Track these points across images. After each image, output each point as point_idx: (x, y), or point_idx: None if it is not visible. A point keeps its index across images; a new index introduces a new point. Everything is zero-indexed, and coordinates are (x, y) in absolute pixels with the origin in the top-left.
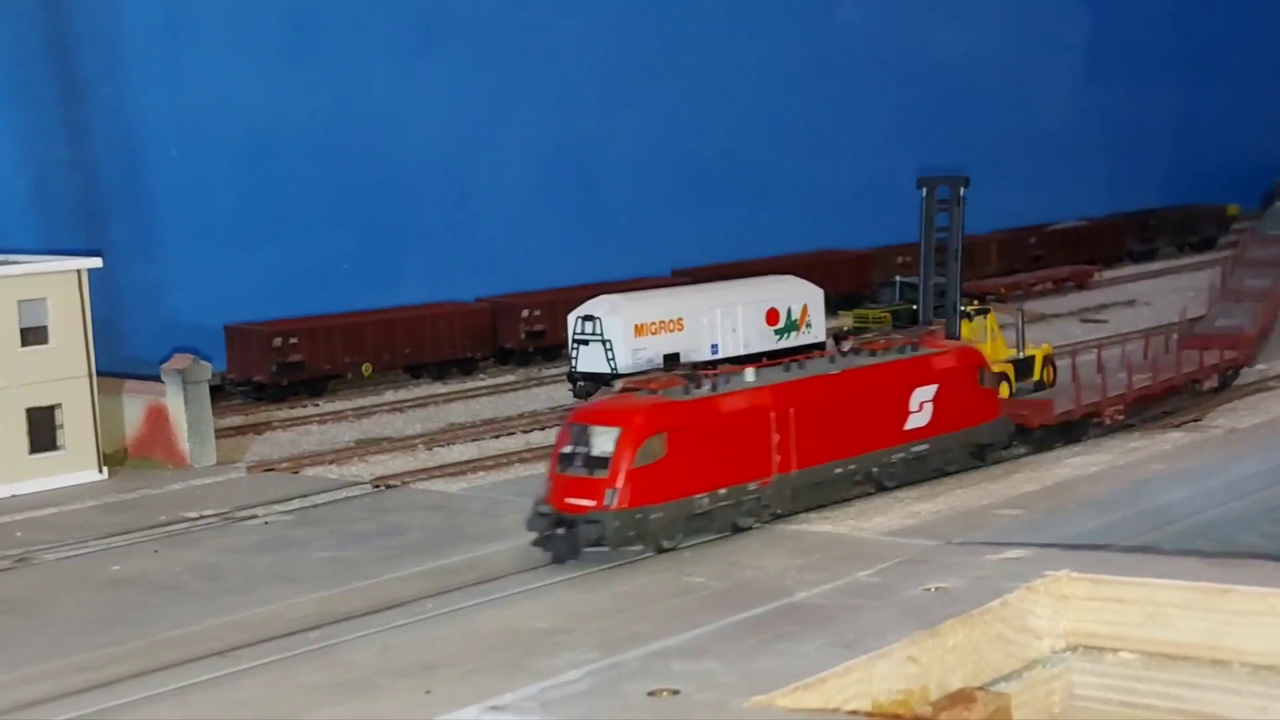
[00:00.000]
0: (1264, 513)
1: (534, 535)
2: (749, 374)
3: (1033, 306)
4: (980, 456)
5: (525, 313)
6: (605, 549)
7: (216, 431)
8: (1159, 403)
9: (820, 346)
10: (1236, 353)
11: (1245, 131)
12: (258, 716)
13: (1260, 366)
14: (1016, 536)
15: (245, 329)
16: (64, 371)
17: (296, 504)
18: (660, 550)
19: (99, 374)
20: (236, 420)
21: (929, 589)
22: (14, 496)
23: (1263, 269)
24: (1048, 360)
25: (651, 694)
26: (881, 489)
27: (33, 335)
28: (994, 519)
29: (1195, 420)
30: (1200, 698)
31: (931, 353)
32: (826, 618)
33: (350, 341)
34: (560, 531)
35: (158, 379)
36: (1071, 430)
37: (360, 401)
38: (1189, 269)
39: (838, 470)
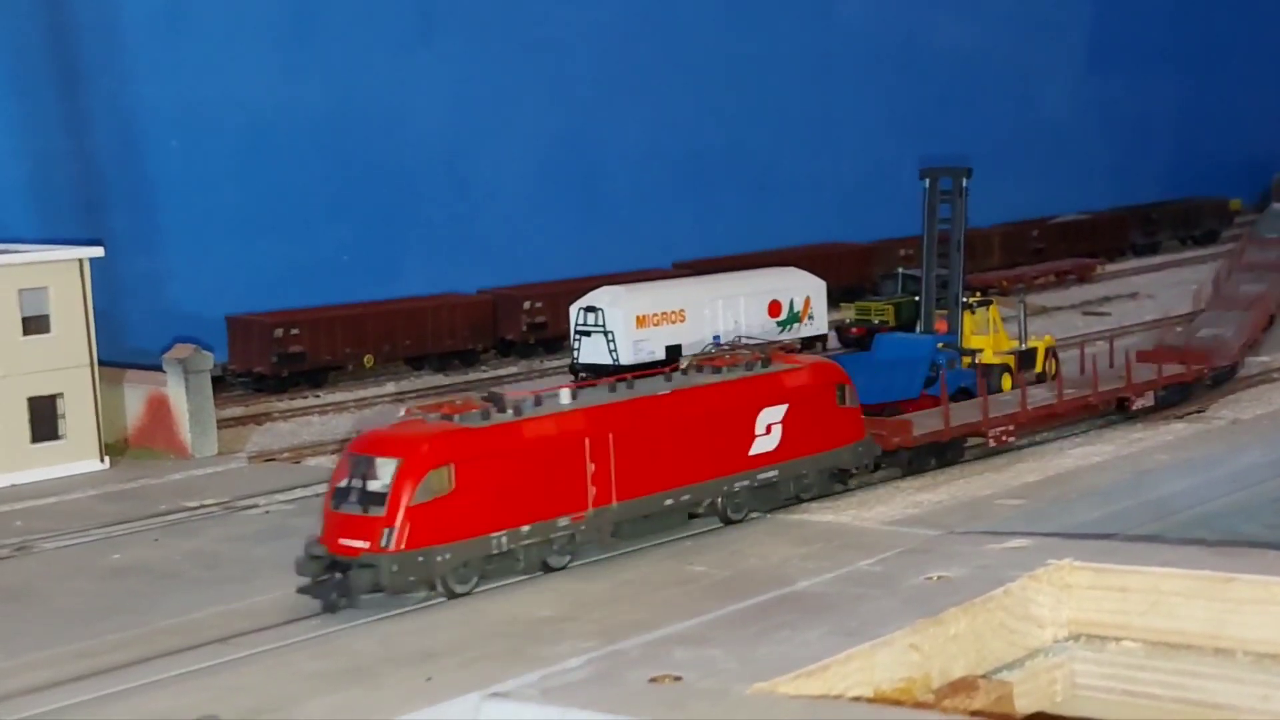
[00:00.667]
0: (1267, 504)
1: (303, 581)
2: (564, 395)
3: (1035, 299)
4: (843, 481)
5: (527, 304)
6: (384, 595)
7: (217, 422)
8: (1072, 421)
9: (823, 339)
10: (1184, 369)
11: (1248, 125)
12: (257, 703)
13: (1264, 358)
14: (1019, 526)
15: (246, 320)
16: (65, 361)
17: (297, 494)
18: (453, 595)
19: (100, 364)
20: (237, 411)
21: (931, 578)
22: (14, 485)
23: (1260, 273)
24: (1050, 352)
25: (653, 680)
26: (727, 521)
27: (34, 324)
28: (996, 509)
29: (1199, 411)
30: (1203, 687)
31: (783, 369)
32: (828, 606)
33: (351, 333)
34: (333, 577)
35: (159, 369)
36: (944, 452)
37: (361, 393)
38: (1191, 262)
39: (668, 501)
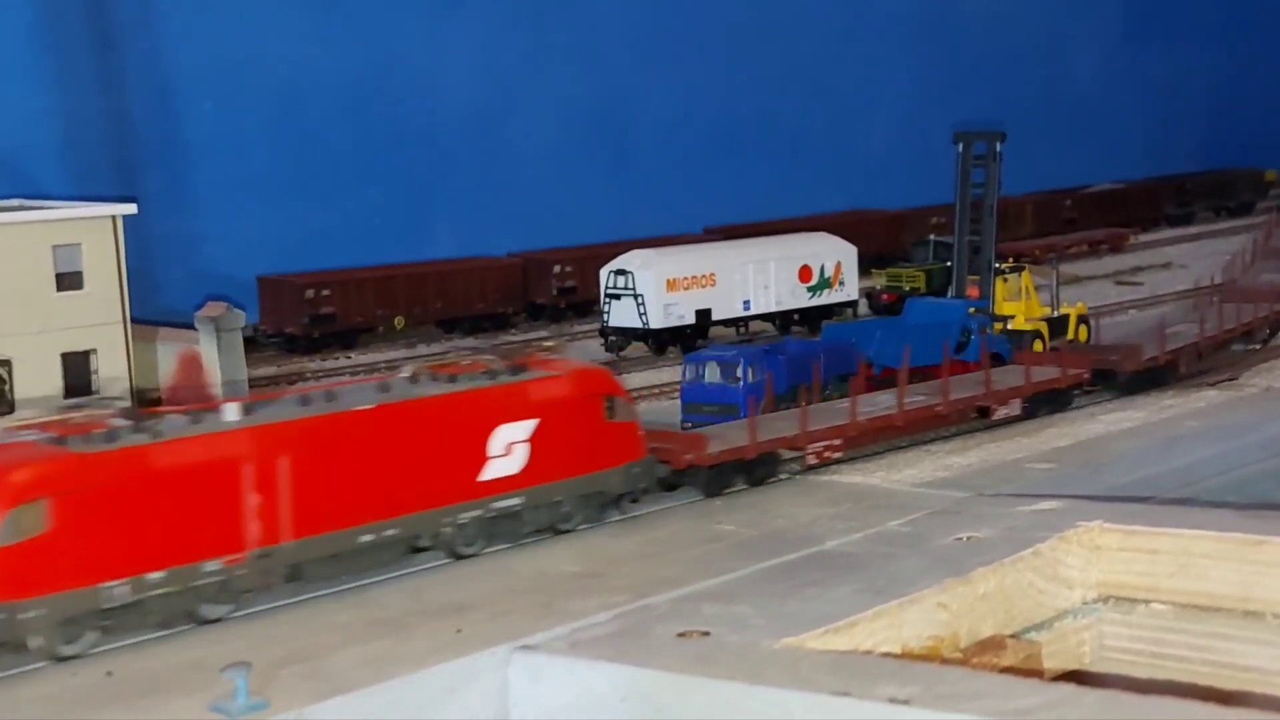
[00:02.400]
0: None
1: None
2: (229, 411)
3: (1067, 269)
4: (616, 505)
5: (557, 268)
6: None
7: (249, 382)
8: (914, 433)
9: (853, 305)
10: (1081, 370)
11: None
12: (289, 652)
13: None
14: (1049, 489)
15: (278, 280)
16: (99, 317)
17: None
18: (59, 659)
19: (133, 322)
20: (269, 371)
21: (960, 538)
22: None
23: None
24: (1082, 319)
25: (681, 635)
26: (458, 556)
27: (68, 280)
28: (1026, 472)
29: (1231, 379)
30: (1232, 649)
31: (531, 379)
32: (857, 565)
33: (382, 294)
34: None
35: (191, 327)
36: (752, 470)
37: (392, 354)
38: (1225, 233)
39: (367, 538)
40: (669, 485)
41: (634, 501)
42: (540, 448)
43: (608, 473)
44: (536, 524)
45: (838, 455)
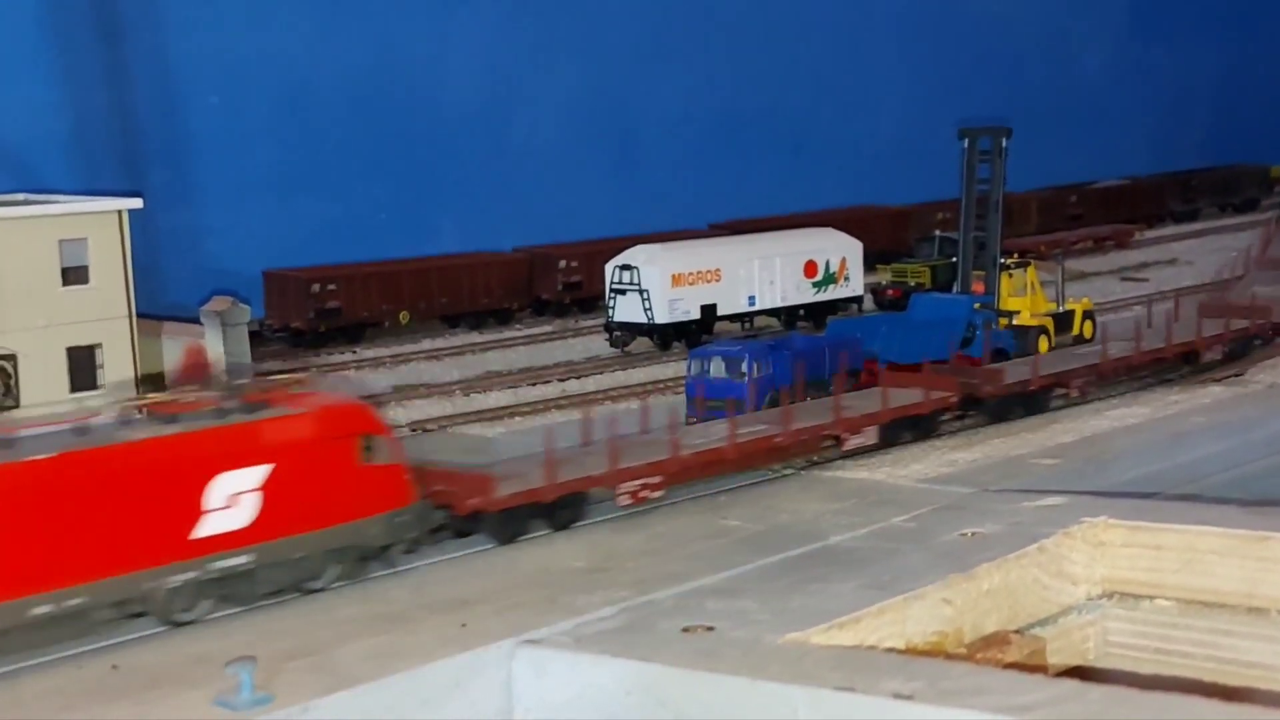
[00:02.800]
0: None
1: None
2: None
3: (1072, 264)
4: (382, 559)
5: (562, 263)
6: None
7: (254, 377)
8: (752, 468)
9: (859, 300)
10: (947, 393)
11: None
12: (294, 646)
13: None
14: (1053, 485)
15: (283, 275)
16: (104, 311)
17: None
18: None
19: (139, 316)
20: (274, 365)
21: (965, 534)
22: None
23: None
24: (1088, 315)
25: (686, 630)
26: (173, 624)
27: (73, 275)
28: (1031, 468)
29: (1236, 375)
30: (1236, 645)
31: (264, 418)
32: (861, 560)
33: (388, 289)
34: None
35: (197, 321)
36: (554, 514)
37: (397, 349)
38: (1230, 229)
39: (42, 609)
40: (460, 532)
41: (409, 552)
42: (275, 497)
43: (365, 523)
44: (276, 584)
45: (657, 495)
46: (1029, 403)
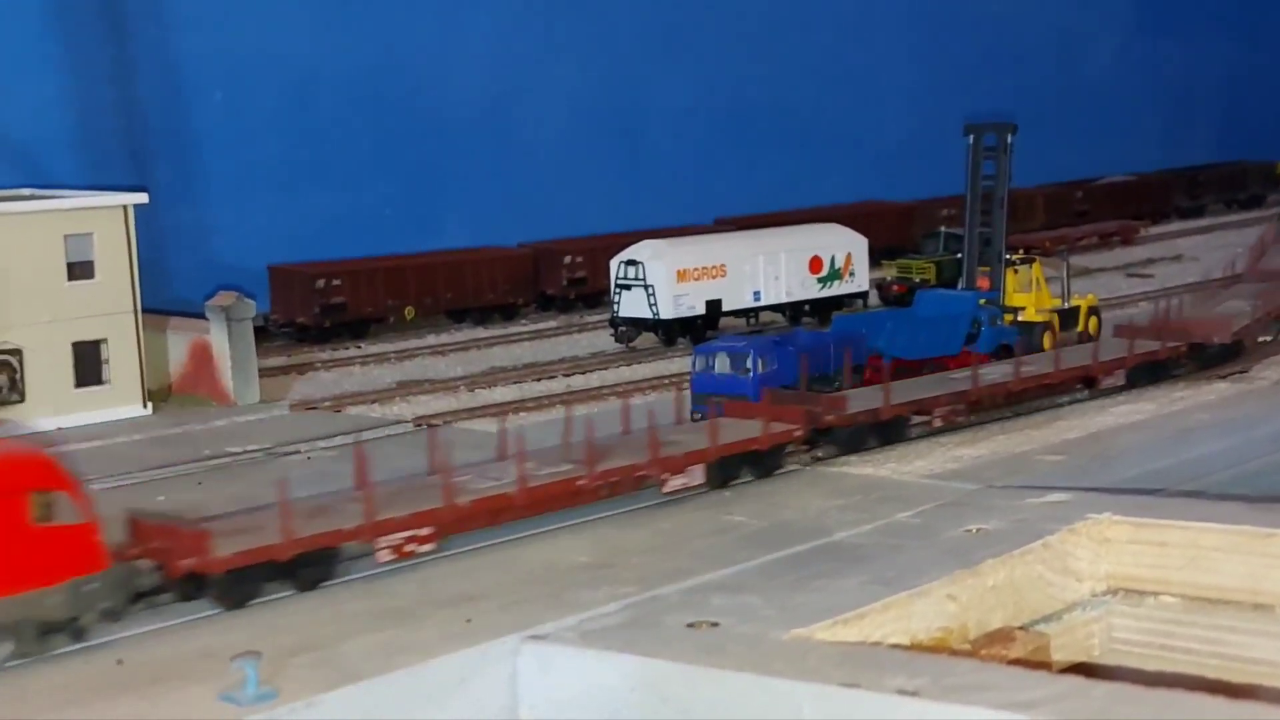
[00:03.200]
0: None
1: None
2: None
3: (1078, 260)
4: (70, 632)
5: (567, 259)
6: None
7: (259, 371)
8: (546, 512)
9: (864, 296)
10: (790, 426)
11: None
12: (299, 641)
13: None
14: (1058, 481)
15: (289, 270)
16: (110, 306)
17: (339, 440)
18: None
19: (144, 311)
20: (279, 360)
21: (970, 530)
22: (59, 429)
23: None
24: (1093, 311)
25: (691, 626)
26: None
27: (79, 270)
28: (1036, 464)
29: (1241, 372)
30: (1241, 642)
31: None
32: (866, 556)
33: (393, 285)
34: None
35: (202, 317)
36: (292, 572)
37: (402, 344)
38: (1236, 225)
39: None
40: (183, 595)
41: (114, 621)
42: None
43: (40, 594)
44: None
45: (427, 548)
46: (884, 432)
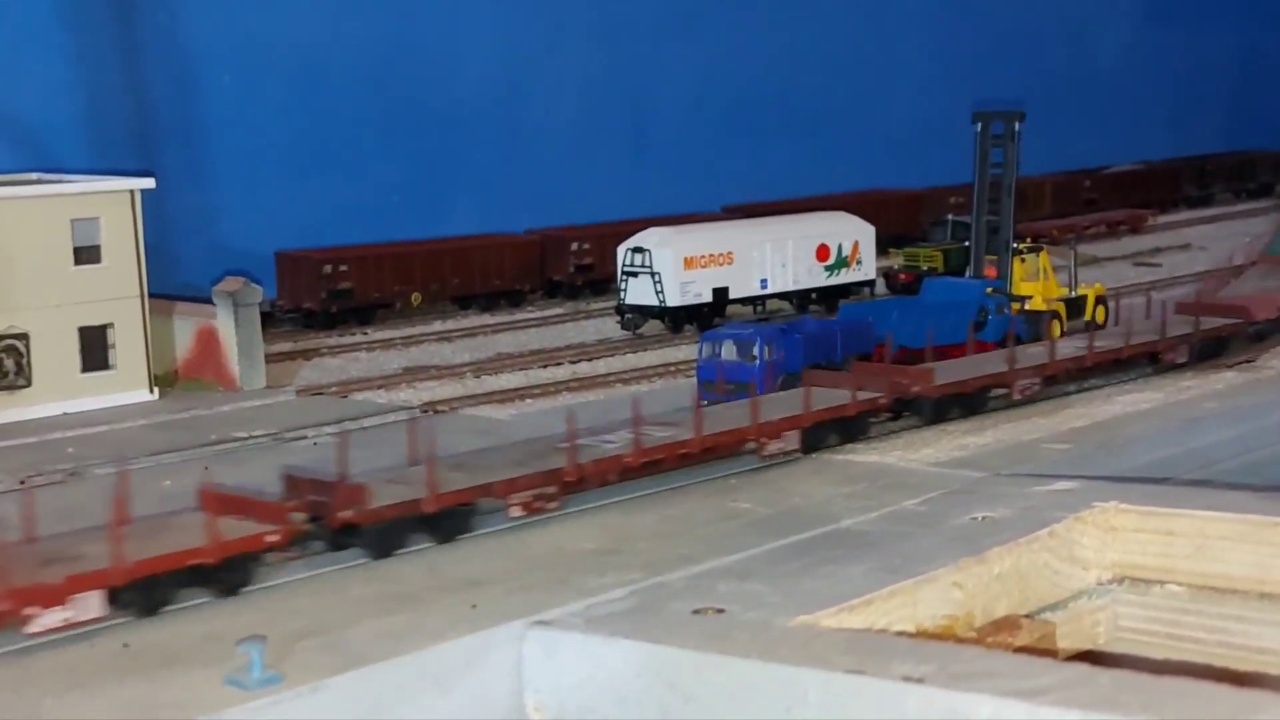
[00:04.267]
0: None
1: None
2: None
3: (1086, 249)
4: None
5: (574, 246)
6: None
7: (266, 357)
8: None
9: (871, 284)
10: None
11: None
12: (305, 626)
13: None
14: (1065, 470)
15: (296, 256)
16: (116, 291)
17: (346, 426)
18: None
19: (150, 296)
20: (286, 346)
21: (976, 518)
22: (65, 414)
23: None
24: (1100, 300)
25: (696, 612)
26: None
27: (85, 254)
28: (1043, 453)
29: (1249, 361)
30: (1247, 631)
31: None
32: (872, 543)
33: (400, 271)
34: None
35: (209, 302)
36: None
37: (409, 330)
38: (1245, 215)
39: None
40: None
41: None
42: None
43: None
44: None
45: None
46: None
